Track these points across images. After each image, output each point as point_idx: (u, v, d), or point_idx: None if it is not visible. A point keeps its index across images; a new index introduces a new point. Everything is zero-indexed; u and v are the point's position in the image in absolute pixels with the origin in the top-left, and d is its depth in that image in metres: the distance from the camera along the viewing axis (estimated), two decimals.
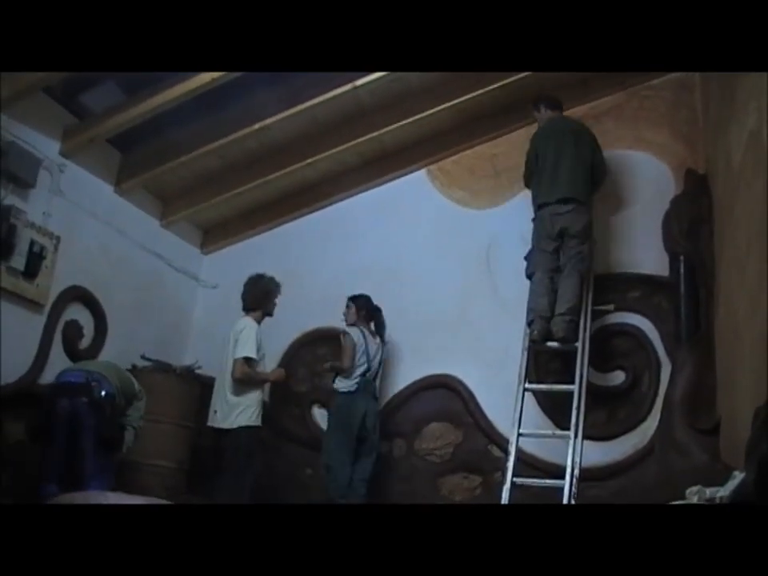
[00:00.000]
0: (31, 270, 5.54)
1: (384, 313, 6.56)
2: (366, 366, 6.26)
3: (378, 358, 6.38)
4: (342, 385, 6.25)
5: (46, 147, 5.79)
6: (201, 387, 6.63)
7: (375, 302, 6.54)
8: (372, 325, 6.50)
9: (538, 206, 5.97)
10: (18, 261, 5.43)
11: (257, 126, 6.32)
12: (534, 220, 6.04)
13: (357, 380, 6.22)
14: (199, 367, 6.71)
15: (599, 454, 5.80)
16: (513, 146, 6.77)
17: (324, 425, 6.65)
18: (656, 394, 5.84)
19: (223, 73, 5.39)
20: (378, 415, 6.29)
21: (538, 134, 6.21)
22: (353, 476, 6.02)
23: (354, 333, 6.37)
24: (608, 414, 6.06)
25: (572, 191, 5.85)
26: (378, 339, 6.46)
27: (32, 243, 5.54)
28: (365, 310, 6.45)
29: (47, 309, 5.78)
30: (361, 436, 6.09)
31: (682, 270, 5.74)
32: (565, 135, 6.05)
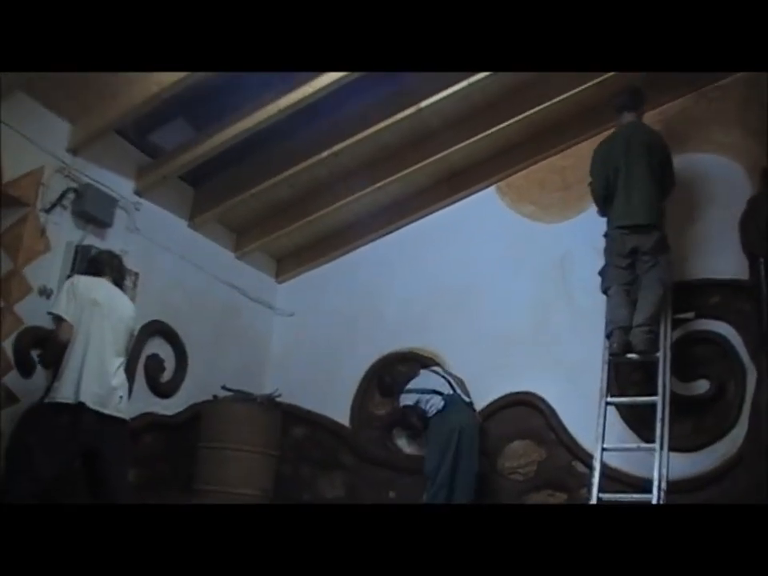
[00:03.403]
0: None
1: (461, 331, 6.68)
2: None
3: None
4: (428, 407, 6.27)
5: (121, 187, 5.95)
6: (282, 415, 6.70)
7: (451, 321, 6.73)
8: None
9: (614, 227, 5.87)
10: None
11: (325, 154, 6.39)
12: (605, 236, 5.95)
13: (444, 397, 6.24)
14: (279, 395, 6.77)
15: (687, 465, 5.66)
16: (581, 157, 6.66)
17: (405, 447, 6.76)
18: (742, 400, 5.68)
19: (289, 104, 5.53)
20: (476, 425, 6.23)
21: (606, 146, 6.02)
22: (454, 492, 5.97)
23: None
24: (694, 424, 5.91)
25: (646, 218, 5.70)
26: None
27: None
28: None
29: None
30: (460, 451, 6.03)
31: (762, 272, 5.55)
32: (637, 149, 5.84)
